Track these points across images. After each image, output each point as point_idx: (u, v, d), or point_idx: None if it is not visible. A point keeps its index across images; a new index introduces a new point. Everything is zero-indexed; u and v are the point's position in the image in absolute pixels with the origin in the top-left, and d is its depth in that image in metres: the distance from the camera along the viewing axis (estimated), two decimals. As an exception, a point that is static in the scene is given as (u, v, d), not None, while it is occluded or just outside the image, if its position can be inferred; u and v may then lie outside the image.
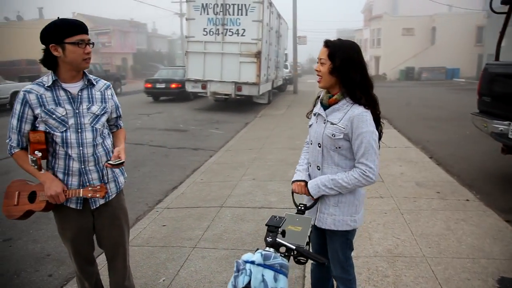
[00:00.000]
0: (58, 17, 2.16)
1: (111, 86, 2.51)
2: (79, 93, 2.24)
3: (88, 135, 2.24)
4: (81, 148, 2.23)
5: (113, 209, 2.49)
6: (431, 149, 7.35)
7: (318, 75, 2.08)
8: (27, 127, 2.16)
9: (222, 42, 13.20)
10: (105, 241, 2.53)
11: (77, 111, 2.21)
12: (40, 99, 2.13)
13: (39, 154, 2.15)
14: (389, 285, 2.90)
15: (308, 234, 1.81)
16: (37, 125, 2.16)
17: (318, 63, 2.07)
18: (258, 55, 13.01)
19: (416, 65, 33.63)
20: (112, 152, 2.45)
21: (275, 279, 1.51)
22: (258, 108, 14.64)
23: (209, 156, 7.49)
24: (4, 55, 31.54)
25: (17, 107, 2.14)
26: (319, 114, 2.15)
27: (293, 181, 2.17)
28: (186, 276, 3.17)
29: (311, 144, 2.20)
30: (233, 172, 6.18)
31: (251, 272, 1.51)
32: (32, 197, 2.24)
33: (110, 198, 2.45)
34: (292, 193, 2.20)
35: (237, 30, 12.99)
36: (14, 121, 2.15)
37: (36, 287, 3.26)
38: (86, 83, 2.28)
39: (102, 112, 2.32)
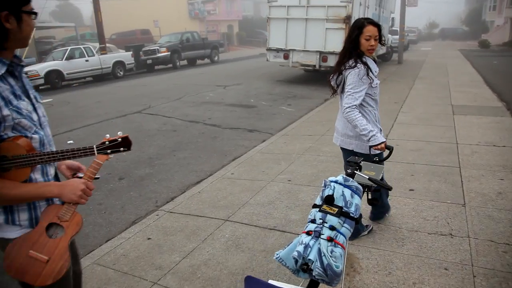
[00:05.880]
0: None
1: None
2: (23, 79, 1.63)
3: (48, 130, 1.71)
4: (50, 147, 1.69)
5: None
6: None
7: (372, 49, 2.72)
8: None
9: (306, 6, 11.69)
10: None
11: (31, 102, 1.62)
12: (1, 95, 1.46)
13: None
14: None
15: (380, 178, 2.16)
16: (2, 134, 1.47)
17: (372, 40, 2.70)
18: (347, 20, 11.17)
19: None
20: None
21: (352, 196, 1.88)
22: (347, 81, 12.90)
23: (261, 141, 6.46)
24: (122, 27, 34.18)
25: None
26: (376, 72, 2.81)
27: (382, 142, 2.60)
28: None
29: (375, 102, 2.86)
30: (272, 166, 5.08)
31: (334, 187, 1.89)
32: (51, 233, 1.60)
33: None
34: (370, 147, 2.67)
35: (324, -9, 11.31)
36: None
37: None
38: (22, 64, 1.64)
39: (40, 100, 1.74)
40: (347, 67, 2.74)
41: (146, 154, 6.04)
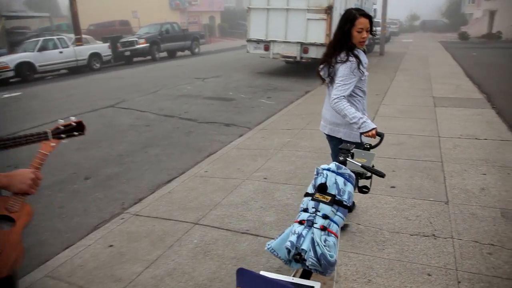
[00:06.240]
0: None
1: None
2: None
3: None
4: None
5: None
6: (543, 146, 5.06)
7: (364, 41, 2.68)
8: None
9: (287, -5, 11.39)
10: None
11: None
12: None
13: None
14: None
15: (371, 165, 2.11)
16: None
17: (364, 32, 2.63)
18: (328, 10, 10.96)
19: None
20: None
21: (344, 184, 1.86)
22: (328, 73, 12.67)
23: (238, 136, 6.19)
24: (100, 17, 33.19)
25: None
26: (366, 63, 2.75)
27: (373, 129, 2.54)
28: None
29: (363, 93, 2.85)
30: (248, 163, 4.82)
31: (327, 175, 1.86)
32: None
33: None
34: (361, 134, 2.61)
35: (305, -20, 11.03)
36: None
37: None
38: None
39: None
40: (338, 60, 2.68)
41: (116, 151, 5.70)
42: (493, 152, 4.76)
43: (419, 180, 4.03)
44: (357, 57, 2.65)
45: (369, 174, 2.12)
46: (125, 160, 5.33)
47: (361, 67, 2.66)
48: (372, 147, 2.40)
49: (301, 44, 11.54)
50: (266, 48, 12.22)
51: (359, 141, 2.75)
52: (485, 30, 32.37)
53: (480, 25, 34.13)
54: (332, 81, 2.78)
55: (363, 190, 2.23)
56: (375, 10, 20.01)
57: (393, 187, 3.89)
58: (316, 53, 11.32)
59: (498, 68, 13.36)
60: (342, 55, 2.67)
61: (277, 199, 3.77)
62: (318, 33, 11.15)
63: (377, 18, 21.57)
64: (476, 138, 5.29)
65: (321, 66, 2.86)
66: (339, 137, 2.92)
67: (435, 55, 17.56)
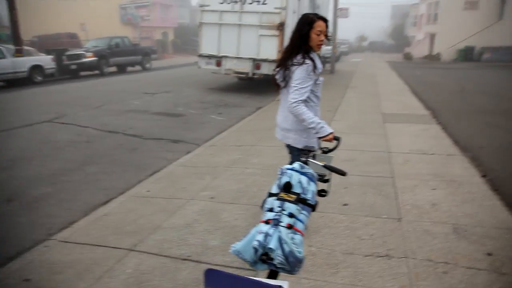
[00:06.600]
0: None
1: None
2: None
3: None
4: None
5: None
6: (485, 161, 5.17)
7: (322, 44, 2.74)
8: None
9: (240, 11, 11.33)
10: None
11: None
12: None
13: None
14: None
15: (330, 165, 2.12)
16: None
17: (322, 35, 2.68)
18: (281, 27, 10.99)
19: (478, 44, 29.30)
20: None
21: (308, 183, 1.84)
22: (281, 89, 12.67)
23: (186, 153, 5.84)
24: (47, 29, 31.55)
25: None
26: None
27: (331, 133, 2.63)
28: None
29: (317, 98, 2.89)
30: (195, 182, 4.50)
31: (291, 175, 1.85)
32: None
33: None
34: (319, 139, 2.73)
35: (258, -3, 11.04)
36: None
37: None
38: None
39: None
40: (295, 62, 2.70)
41: (49, 169, 5.15)
42: (441, 167, 4.79)
43: (372, 196, 3.91)
44: (312, 60, 2.67)
45: (327, 177, 2.11)
46: (59, 180, 4.81)
47: (316, 70, 2.68)
48: (330, 150, 2.42)
49: (254, 60, 11.48)
50: (218, 64, 12.03)
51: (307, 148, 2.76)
52: (426, 51, 34.47)
53: (422, 47, 36.33)
54: (287, 85, 2.77)
55: (322, 193, 2.18)
56: (325, 30, 20.57)
57: (345, 204, 3.74)
58: (268, 69, 11.28)
59: (440, 86, 14.07)
60: (299, 57, 2.68)
61: (223, 220, 3.48)
62: (270, 49, 11.14)
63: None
64: (424, 153, 5.34)
65: (277, 69, 2.85)
66: (288, 143, 2.93)
67: (383, 74, 18.28)
